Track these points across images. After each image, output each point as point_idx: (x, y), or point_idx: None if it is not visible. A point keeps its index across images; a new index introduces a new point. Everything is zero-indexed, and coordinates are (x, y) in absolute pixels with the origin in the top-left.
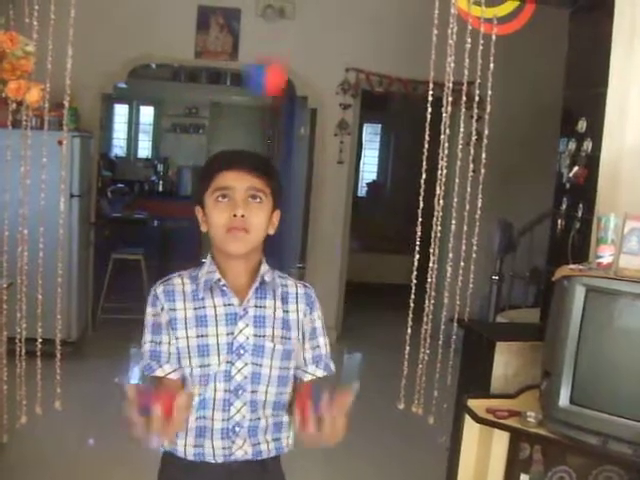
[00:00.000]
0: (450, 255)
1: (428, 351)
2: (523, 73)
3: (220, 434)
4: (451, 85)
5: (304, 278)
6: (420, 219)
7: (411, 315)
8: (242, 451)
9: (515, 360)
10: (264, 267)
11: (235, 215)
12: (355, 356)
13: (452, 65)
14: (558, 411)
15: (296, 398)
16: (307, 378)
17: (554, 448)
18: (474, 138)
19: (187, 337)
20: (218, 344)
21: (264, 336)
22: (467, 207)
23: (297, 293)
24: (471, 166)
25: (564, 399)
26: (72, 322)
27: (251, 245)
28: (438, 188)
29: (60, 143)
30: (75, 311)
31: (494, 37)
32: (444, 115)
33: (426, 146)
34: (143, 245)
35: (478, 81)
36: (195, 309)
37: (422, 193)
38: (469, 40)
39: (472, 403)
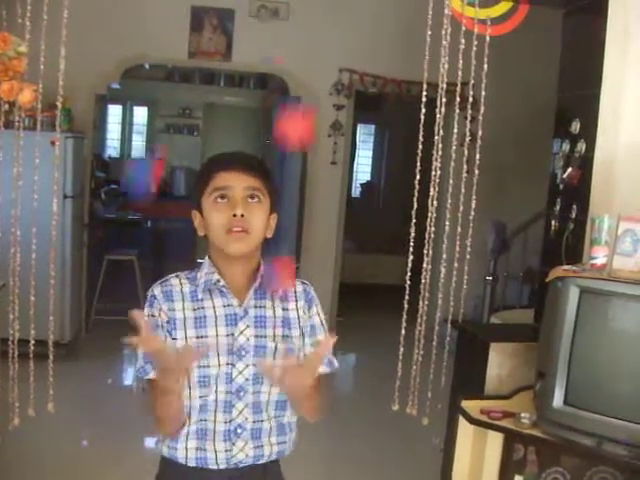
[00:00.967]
0: (444, 256)
1: (422, 352)
2: (517, 74)
3: (222, 436)
4: (445, 86)
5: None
6: (414, 220)
7: (405, 316)
8: (243, 454)
9: (509, 361)
10: (263, 267)
11: (235, 215)
12: (349, 357)
13: (446, 66)
14: (552, 412)
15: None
16: None
17: (548, 449)
18: (468, 139)
19: (186, 338)
20: (218, 345)
21: (265, 336)
22: (461, 208)
23: (296, 291)
24: (465, 167)
25: (558, 400)
26: (65, 323)
27: (251, 245)
28: (432, 189)
29: (53, 144)
30: (68, 312)
31: (488, 38)
32: (438, 116)
33: (420, 147)
34: (137, 246)
35: (472, 82)
36: (194, 310)
37: (416, 194)
38: (463, 41)
39: (466, 404)
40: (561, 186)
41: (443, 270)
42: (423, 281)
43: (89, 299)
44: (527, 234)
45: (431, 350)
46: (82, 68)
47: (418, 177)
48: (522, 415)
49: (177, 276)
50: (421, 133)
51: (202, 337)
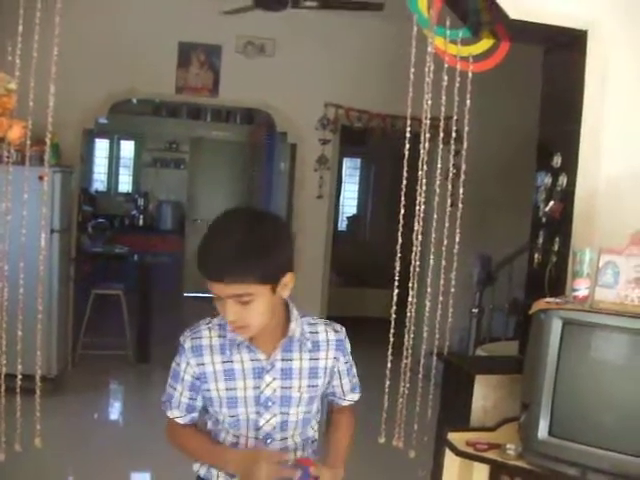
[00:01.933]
0: (429, 289)
1: (408, 385)
2: (499, 109)
3: None
4: (428, 121)
5: None
6: (399, 254)
7: (391, 349)
8: None
9: (494, 393)
10: (294, 325)
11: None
12: None
13: (429, 102)
14: (537, 443)
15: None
16: (345, 404)
17: None
18: (452, 173)
19: (217, 389)
20: (245, 397)
21: (291, 387)
22: (445, 241)
23: (328, 340)
24: (449, 201)
25: (543, 431)
26: (52, 358)
27: (255, 332)
28: (416, 223)
29: (41, 178)
30: (55, 347)
31: (470, 74)
32: (422, 151)
33: (404, 182)
34: (123, 280)
35: (455, 117)
36: (223, 362)
37: (400, 228)
38: (446, 77)
39: (452, 436)
40: (544, 219)
41: (428, 303)
42: (408, 314)
43: (76, 333)
44: (512, 266)
45: (417, 383)
46: (70, 103)
47: (403, 211)
48: (507, 446)
49: (208, 327)
50: (405, 168)
51: (231, 389)
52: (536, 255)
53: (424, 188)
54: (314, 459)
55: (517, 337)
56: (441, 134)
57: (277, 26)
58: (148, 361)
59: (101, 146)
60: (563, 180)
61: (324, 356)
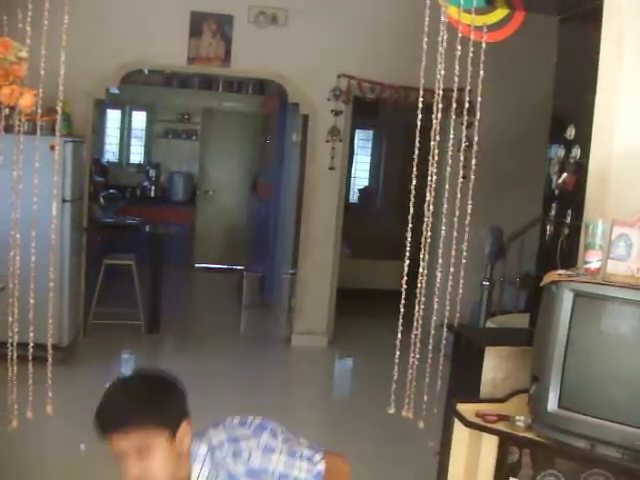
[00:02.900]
0: (440, 261)
1: (418, 356)
2: (513, 80)
3: None
4: (441, 92)
5: (295, 284)
6: (410, 225)
7: (401, 320)
8: None
9: (504, 365)
10: (196, 468)
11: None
12: (346, 361)
13: (442, 72)
14: (546, 415)
15: None
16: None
17: (543, 452)
18: (464, 144)
19: None
20: None
21: None
22: (457, 213)
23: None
24: (461, 172)
25: (552, 403)
26: (63, 327)
27: None
28: (428, 194)
29: (52, 148)
30: (67, 316)
31: (484, 45)
32: (434, 122)
33: (416, 152)
34: (135, 250)
35: (468, 88)
36: None
37: (412, 199)
38: (459, 47)
39: (461, 407)
40: (556, 191)
41: (439, 275)
42: (419, 286)
43: (87, 303)
44: (524, 239)
45: (427, 354)
46: (82, 73)
47: (415, 182)
48: (517, 418)
49: None
50: (417, 139)
51: None
52: (548, 227)
53: (436, 159)
54: None
55: (528, 310)
56: (454, 105)
57: None
58: (158, 331)
59: (113, 116)
60: (576, 152)
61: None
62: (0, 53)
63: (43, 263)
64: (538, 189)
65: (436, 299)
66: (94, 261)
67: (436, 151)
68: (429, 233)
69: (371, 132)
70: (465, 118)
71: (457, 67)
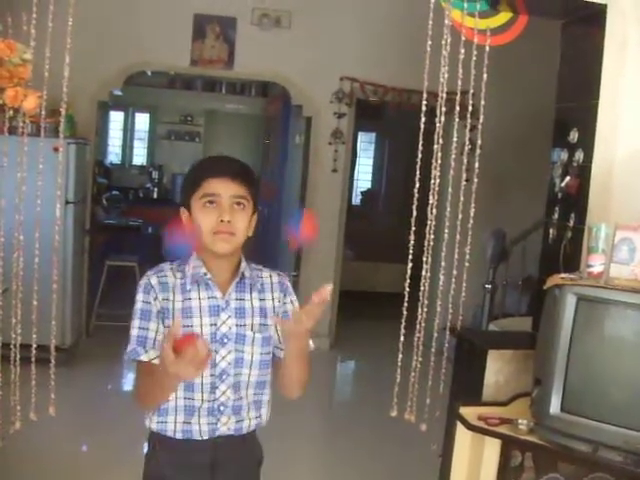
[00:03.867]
0: (443, 264)
1: (421, 359)
2: (517, 83)
3: (206, 412)
4: (444, 95)
5: (298, 286)
6: (413, 228)
7: (404, 323)
8: (226, 427)
9: (507, 368)
10: (244, 264)
11: (222, 220)
12: (348, 364)
13: (446, 75)
14: (549, 419)
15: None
16: (283, 354)
17: (545, 455)
18: (467, 147)
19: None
20: (202, 334)
21: (244, 325)
22: (460, 216)
23: (272, 282)
24: (464, 175)
25: (555, 407)
26: (66, 328)
27: (235, 245)
28: (431, 197)
29: (56, 150)
30: (69, 317)
31: (487, 48)
32: (437, 125)
33: (419, 155)
34: (137, 252)
35: (471, 91)
36: (183, 301)
37: (415, 202)
38: (462, 51)
39: (464, 410)
40: (559, 195)
41: (442, 278)
42: (422, 289)
43: (90, 304)
44: (527, 242)
45: (430, 357)
46: (85, 75)
47: (418, 185)
48: (519, 421)
49: (170, 268)
50: (421, 142)
51: (188, 326)
52: (551, 231)
53: (439, 162)
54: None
55: (530, 313)
56: (457, 108)
57: None
58: None
59: (116, 118)
60: (579, 156)
61: (270, 297)
62: (5, 55)
63: (46, 265)
64: (541, 192)
65: (439, 302)
66: (97, 263)
67: (439, 154)
68: (432, 236)
69: (374, 135)
70: (468, 121)
71: (460, 70)
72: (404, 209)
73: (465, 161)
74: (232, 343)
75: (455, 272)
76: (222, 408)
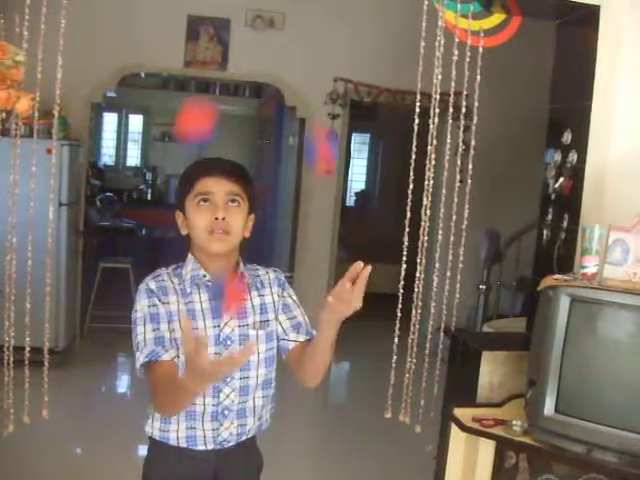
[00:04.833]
0: (437, 265)
1: (415, 360)
2: (510, 84)
3: (210, 417)
4: (438, 96)
5: (293, 287)
6: (407, 229)
7: (398, 324)
8: (228, 432)
9: (501, 369)
10: (242, 265)
11: (217, 218)
12: (342, 365)
13: (439, 77)
14: (543, 420)
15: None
16: (292, 345)
17: (539, 456)
18: (461, 148)
19: (180, 329)
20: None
21: (247, 325)
22: (454, 217)
23: (269, 278)
24: (458, 176)
25: (549, 408)
26: (60, 331)
27: (231, 245)
28: (425, 198)
29: (49, 152)
30: (63, 320)
31: (481, 49)
32: (431, 126)
33: (413, 156)
34: (131, 253)
35: (465, 92)
36: (185, 304)
37: (409, 203)
38: (456, 52)
39: (458, 412)
40: (553, 196)
41: (436, 279)
42: (416, 290)
43: (83, 307)
44: (521, 243)
45: (424, 358)
46: (78, 77)
47: (412, 186)
48: (514, 423)
49: (167, 273)
50: (414, 143)
51: (194, 329)
52: (545, 232)
53: (433, 163)
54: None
55: (524, 314)
56: (451, 109)
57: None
58: None
59: (109, 120)
60: (573, 157)
61: (268, 292)
62: None
63: (39, 267)
64: (535, 193)
65: (433, 303)
66: (91, 264)
67: (433, 155)
68: (426, 237)
69: (368, 136)
70: (462, 122)
71: (454, 71)
72: (398, 210)
73: (459, 162)
74: (236, 344)
75: (449, 273)
76: (226, 412)
